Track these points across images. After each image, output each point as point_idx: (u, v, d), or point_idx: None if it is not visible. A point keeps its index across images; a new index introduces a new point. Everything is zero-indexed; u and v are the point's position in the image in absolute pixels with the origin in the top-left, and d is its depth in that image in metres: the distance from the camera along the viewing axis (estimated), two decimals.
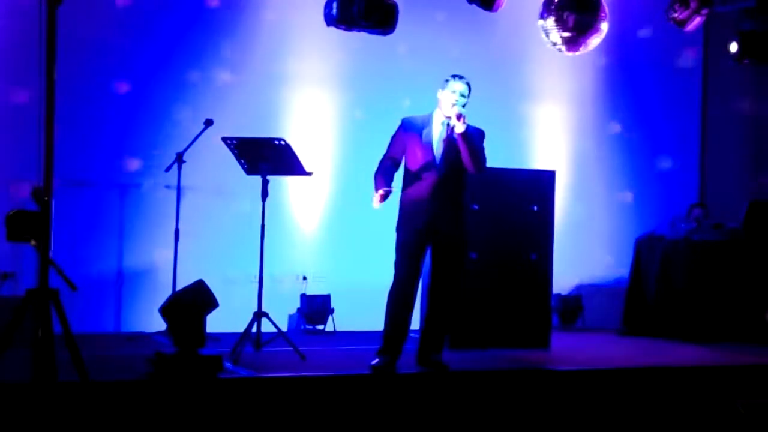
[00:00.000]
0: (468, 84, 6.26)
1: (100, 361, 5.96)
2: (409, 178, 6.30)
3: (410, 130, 6.31)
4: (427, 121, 6.28)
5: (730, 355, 7.48)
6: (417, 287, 6.32)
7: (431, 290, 6.40)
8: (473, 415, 5.91)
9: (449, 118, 6.16)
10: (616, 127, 9.44)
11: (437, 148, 6.23)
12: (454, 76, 6.26)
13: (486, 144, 6.30)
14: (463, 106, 6.15)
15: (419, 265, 6.28)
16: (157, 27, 7.90)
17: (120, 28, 7.75)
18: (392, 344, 6.24)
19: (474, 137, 6.16)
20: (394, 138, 6.38)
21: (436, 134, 6.25)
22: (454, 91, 6.20)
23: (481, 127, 6.30)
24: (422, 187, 6.24)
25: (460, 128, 6.07)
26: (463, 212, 6.36)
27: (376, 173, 6.31)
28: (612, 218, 9.37)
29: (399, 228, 6.31)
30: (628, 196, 9.44)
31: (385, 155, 6.38)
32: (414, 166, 6.25)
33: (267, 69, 8.23)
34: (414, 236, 6.23)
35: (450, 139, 6.20)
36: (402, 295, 6.25)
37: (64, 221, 6.74)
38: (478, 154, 6.18)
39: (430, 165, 6.20)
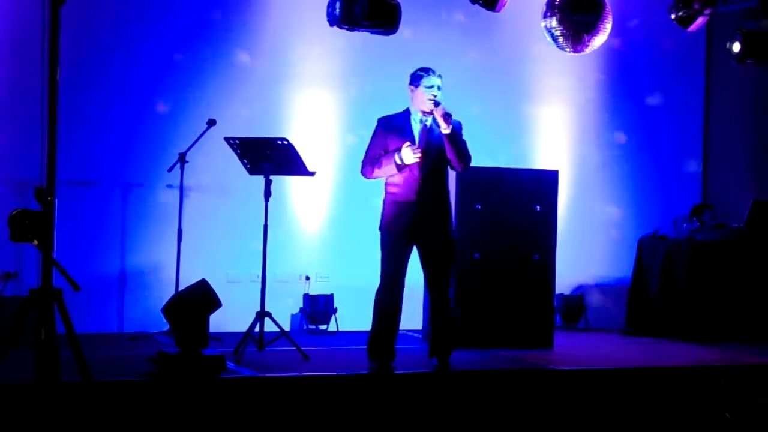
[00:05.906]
0: (440, 76, 6.22)
1: (102, 361, 5.97)
2: (392, 179, 6.27)
3: (389, 130, 6.27)
4: (404, 119, 6.26)
5: (732, 355, 7.47)
6: (403, 287, 6.33)
7: (429, 294, 6.42)
8: (476, 416, 5.90)
9: (427, 114, 6.14)
10: (618, 128, 9.41)
11: (418, 146, 6.18)
12: (426, 71, 6.21)
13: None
14: (434, 101, 6.11)
15: (404, 266, 6.27)
16: (160, 28, 7.89)
17: (123, 28, 7.75)
18: (382, 345, 6.25)
19: (459, 134, 6.15)
20: (374, 139, 6.34)
21: (416, 133, 6.22)
22: (430, 87, 6.17)
23: (461, 120, 6.29)
24: (405, 188, 6.22)
25: (446, 129, 6.05)
26: (448, 209, 6.33)
27: (369, 164, 6.25)
28: (614, 218, 9.35)
29: (383, 229, 6.30)
30: (630, 196, 9.42)
31: (365, 157, 6.33)
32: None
33: (270, 68, 8.22)
34: (399, 237, 6.22)
35: (430, 137, 6.18)
36: (388, 295, 6.26)
37: (66, 221, 6.75)
38: (464, 151, 6.14)
39: (412, 165, 6.17)
